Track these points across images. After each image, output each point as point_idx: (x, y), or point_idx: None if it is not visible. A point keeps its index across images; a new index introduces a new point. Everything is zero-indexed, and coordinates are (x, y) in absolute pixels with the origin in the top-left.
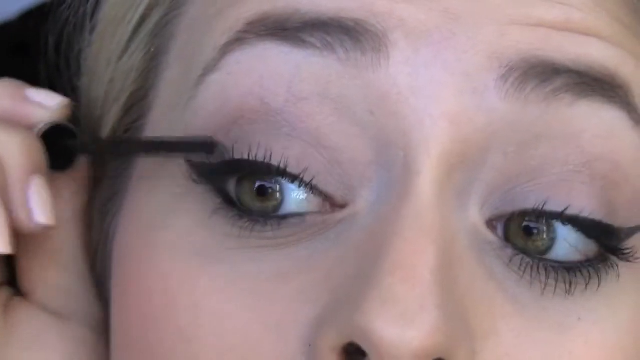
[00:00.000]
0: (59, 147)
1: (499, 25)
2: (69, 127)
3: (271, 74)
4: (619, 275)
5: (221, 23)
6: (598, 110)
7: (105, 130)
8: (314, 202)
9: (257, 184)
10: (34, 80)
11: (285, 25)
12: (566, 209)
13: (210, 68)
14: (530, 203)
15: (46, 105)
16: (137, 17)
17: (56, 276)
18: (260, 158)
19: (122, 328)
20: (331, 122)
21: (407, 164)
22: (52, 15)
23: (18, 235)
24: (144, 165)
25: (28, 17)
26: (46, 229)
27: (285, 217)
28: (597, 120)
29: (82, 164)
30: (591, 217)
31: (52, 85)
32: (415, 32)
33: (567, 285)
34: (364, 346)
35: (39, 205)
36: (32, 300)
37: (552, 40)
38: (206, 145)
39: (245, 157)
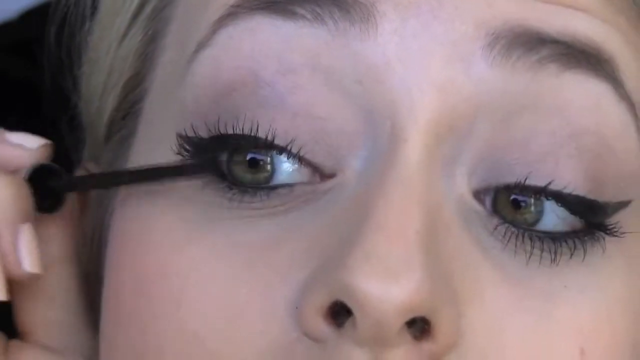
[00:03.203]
0: (45, 188)
1: None
2: (53, 167)
3: (262, 46)
4: (604, 248)
5: (214, 0)
6: (584, 82)
7: (103, 121)
8: (304, 173)
9: (249, 156)
10: (34, 79)
11: None
12: (549, 183)
13: (203, 44)
14: (515, 176)
15: (27, 147)
16: (135, 3)
17: (52, 314)
18: (247, 131)
19: (113, 302)
20: (321, 92)
21: (394, 132)
22: (53, 8)
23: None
24: (140, 145)
25: (29, 17)
26: (34, 277)
27: (274, 187)
28: (583, 93)
29: (69, 200)
30: (575, 192)
31: (54, 83)
32: (404, 2)
33: (552, 255)
34: (349, 303)
35: (28, 254)
36: (30, 340)
37: (538, 10)
38: (199, 166)
39: (233, 130)
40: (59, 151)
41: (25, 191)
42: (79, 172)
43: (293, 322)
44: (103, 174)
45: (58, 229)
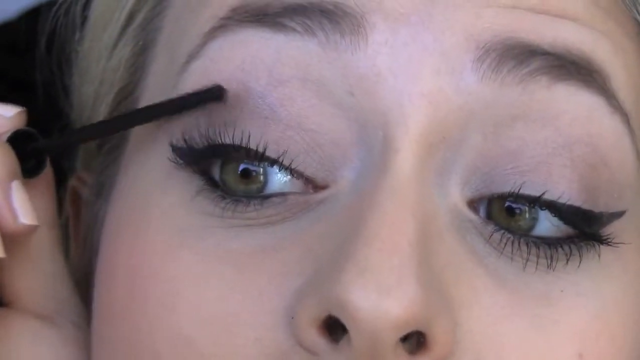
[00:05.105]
0: (26, 151)
1: (474, 7)
2: (30, 132)
3: (253, 58)
4: (599, 255)
5: (205, 10)
6: (575, 94)
7: None
8: (297, 185)
9: (242, 167)
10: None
11: (267, 10)
12: (544, 193)
13: (193, 55)
14: (509, 186)
15: (5, 115)
16: (125, 13)
17: (38, 280)
18: (237, 141)
19: (106, 301)
20: (312, 104)
21: (386, 142)
22: (44, 16)
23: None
24: (132, 153)
25: (28, 17)
26: (30, 229)
27: (268, 196)
28: (575, 104)
29: (47, 170)
30: (569, 202)
31: (48, 84)
32: (394, 14)
33: (549, 260)
34: (342, 318)
35: (22, 207)
36: (17, 307)
37: (527, 22)
38: (213, 93)
39: (224, 141)
40: (53, 160)
41: (10, 152)
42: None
43: (288, 331)
44: (77, 130)
45: (40, 193)
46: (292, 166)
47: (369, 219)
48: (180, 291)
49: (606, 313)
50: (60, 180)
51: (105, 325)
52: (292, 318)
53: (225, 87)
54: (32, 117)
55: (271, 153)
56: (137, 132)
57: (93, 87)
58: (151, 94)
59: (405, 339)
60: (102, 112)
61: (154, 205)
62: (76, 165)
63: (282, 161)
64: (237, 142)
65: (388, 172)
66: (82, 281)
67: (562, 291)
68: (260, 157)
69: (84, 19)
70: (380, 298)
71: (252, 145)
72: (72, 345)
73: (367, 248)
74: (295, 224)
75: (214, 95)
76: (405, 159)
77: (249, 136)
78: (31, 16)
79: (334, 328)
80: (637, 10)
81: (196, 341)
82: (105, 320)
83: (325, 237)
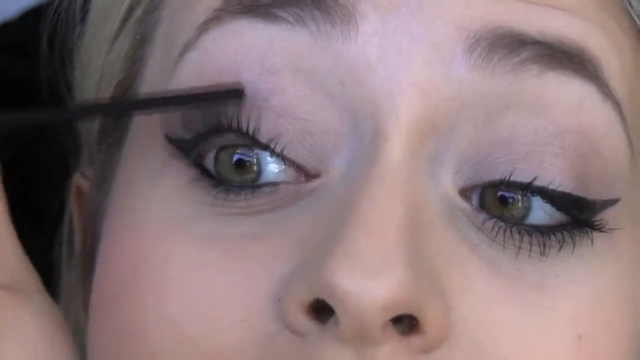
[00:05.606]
0: None
1: None
2: None
3: (245, 49)
4: (592, 242)
5: (200, 2)
6: (567, 83)
7: (95, 125)
8: (290, 174)
9: (235, 157)
10: (35, 79)
11: (259, 1)
12: (534, 179)
13: (188, 46)
14: (500, 173)
15: None
16: (125, 6)
17: None
18: (229, 124)
19: (101, 291)
20: (303, 94)
21: (376, 131)
22: (45, 13)
23: None
24: (131, 144)
25: (28, 17)
26: None
27: (259, 186)
28: (566, 93)
29: None
30: (560, 189)
31: (53, 83)
32: (384, 3)
33: (542, 247)
34: (329, 301)
35: None
36: None
37: (517, 11)
38: (232, 93)
39: (217, 129)
40: (58, 157)
41: None
42: (76, 179)
43: (275, 313)
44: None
45: None
46: (284, 153)
47: (359, 206)
48: (169, 276)
49: (601, 300)
50: (65, 180)
51: (97, 312)
52: (279, 301)
53: (218, 77)
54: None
55: (263, 139)
56: (137, 123)
57: (94, 81)
58: (148, 86)
59: (397, 322)
60: None
61: (148, 194)
62: (81, 165)
63: (274, 147)
64: (229, 124)
65: (378, 161)
66: (85, 275)
67: (557, 276)
68: (252, 141)
69: (85, 13)
70: (368, 281)
71: (244, 128)
72: (47, 315)
73: (355, 233)
74: (285, 213)
75: (234, 93)
76: (396, 147)
77: (239, 123)
78: (33, 15)
79: (321, 312)
80: (630, 3)
81: (183, 325)
82: (99, 308)
83: (314, 224)
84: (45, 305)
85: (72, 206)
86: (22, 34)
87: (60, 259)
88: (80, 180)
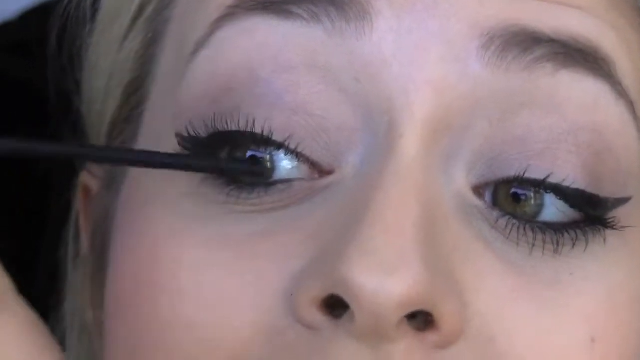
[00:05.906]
0: None
1: None
2: None
3: (259, 45)
4: (605, 239)
5: (212, 1)
6: (581, 81)
7: (105, 125)
8: (303, 171)
9: (249, 153)
10: (34, 79)
11: None
12: (548, 176)
13: (201, 44)
14: (514, 170)
15: None
16: (136, 4)
17: None
18: (243, 127)
19: (114, 293)
20: (318, 90)
21: (391, 127)
22: (54, 12)
23: None
24: (142, 145)
25: (29, 17)
26: None
27: (273, 183)
28: (580, 91)
29: None
30: (574, 186)
31: (56, 84)
32: (399, 0)
33: (555, 245)
34: (345, 297)
35: None
36: None
37: (531, 9)
38: (253, 169)
39: (230, 127)
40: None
41: None
42: (83, 178)
43: (286, 309)
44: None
45: None
46: (298, 150)
47: (373, 203)
48: (180, 277)
49: (614, 297)
50: (70, 178)
51: (112, 315)
52: (292, 295)
53: (231, 75)
54: (40, 117)
55: (277, 137)
56: (148, 125)
57: (103, 81)
58: (160, 86)
59: (412, 318)
60: (111, 106)
61: (161, 194)
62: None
63: (288, 145)
64: (242, 127)
65: (392, 157)
66: (95, 275)
67: (571, 274)
68: (266, 142)
69: (95, 12)
70: (385, 278)
71: (258, 130)
72: (29, 324)
73: (371, 230)
74: (298, 209)
75: (256, 172)
76: (410, 144)
77: (254, 121)
78: (33, 14)
79: (334, 307)
80: None
81: (196, 327)
82: (113, 310)
83: (328, 221)
84: (27, 317)
85: (79, 205)
86: (22, 34)
87: (66, 258)
88: (87, 179)
